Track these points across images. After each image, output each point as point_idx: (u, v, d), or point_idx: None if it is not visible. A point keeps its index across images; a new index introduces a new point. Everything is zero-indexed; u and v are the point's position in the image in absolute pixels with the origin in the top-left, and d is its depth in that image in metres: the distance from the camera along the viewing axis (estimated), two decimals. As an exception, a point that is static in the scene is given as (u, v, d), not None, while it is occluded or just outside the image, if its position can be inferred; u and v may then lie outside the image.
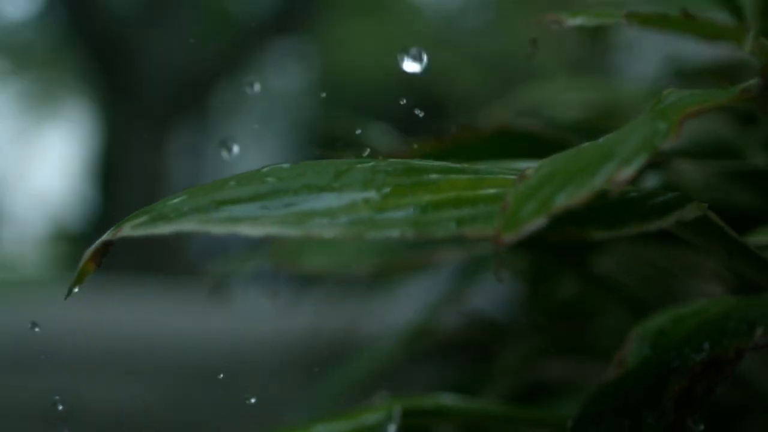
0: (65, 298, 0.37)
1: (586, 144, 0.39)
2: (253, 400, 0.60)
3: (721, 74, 0.75)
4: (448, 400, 0.56)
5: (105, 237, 0.36)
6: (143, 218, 0.35)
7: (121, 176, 7.31)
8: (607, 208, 0.38)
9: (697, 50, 0.64)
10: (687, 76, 0.81)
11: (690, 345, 0.43)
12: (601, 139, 0.39)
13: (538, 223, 0.33)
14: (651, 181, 0.66)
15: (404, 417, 0.52)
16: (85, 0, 7.47)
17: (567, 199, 0.33)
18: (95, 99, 8.16)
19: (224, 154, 0.57)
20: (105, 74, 7.51)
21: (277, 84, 8.86)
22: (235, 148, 0.57)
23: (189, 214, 0.34)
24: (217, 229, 0.34)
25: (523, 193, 0.35)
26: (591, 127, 0.73)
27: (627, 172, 0.33)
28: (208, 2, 8.17)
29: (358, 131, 0.71)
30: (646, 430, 0.40)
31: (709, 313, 0.47)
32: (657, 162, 0.62)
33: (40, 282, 6.30)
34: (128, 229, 0.35)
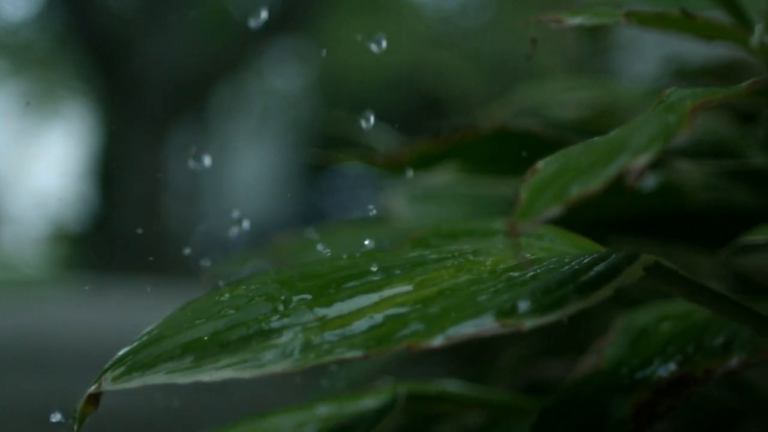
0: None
1: (595, 138, 0.39)
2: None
3: (721, 74, 0.75)
4: (452, 386, 0.57)
5: (90, 389, 0.40)
6: (121, 369, 0.40)
7: (121, 176, 7.30)
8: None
9: (697, 50, 0.64)
10: (686, 75, 0.81)
11: (664, 355, 0.44)
12: (611, 133, 0.39)
13: (553, 211, 0.32)
14: (651, 181, 0.66)
15: (408, 402, 0.52)
16: (85, 0, 7.46)
17: (582, 188, 0.33)
18: (95, 99, 8.16)
19: (191, 163, 0.60)
20: (104, 74, 7.51)
21: (277, 84, 8.85)
22: (207, 160, 0.60)
23: (158, 365, 0.39)
24: (183, 380, 0.38)
25: (537, 186, 0.35)
26: (590, 127, 0.73)
27: (641, 162, 0.33)
28: (208, 2, 8.16)
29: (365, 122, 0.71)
30: None
31: (692, 318, 0.47)
32: (657, 161, 0.62)
33: (40, 282, 6.29)
34: (109, 383, 0.40)
